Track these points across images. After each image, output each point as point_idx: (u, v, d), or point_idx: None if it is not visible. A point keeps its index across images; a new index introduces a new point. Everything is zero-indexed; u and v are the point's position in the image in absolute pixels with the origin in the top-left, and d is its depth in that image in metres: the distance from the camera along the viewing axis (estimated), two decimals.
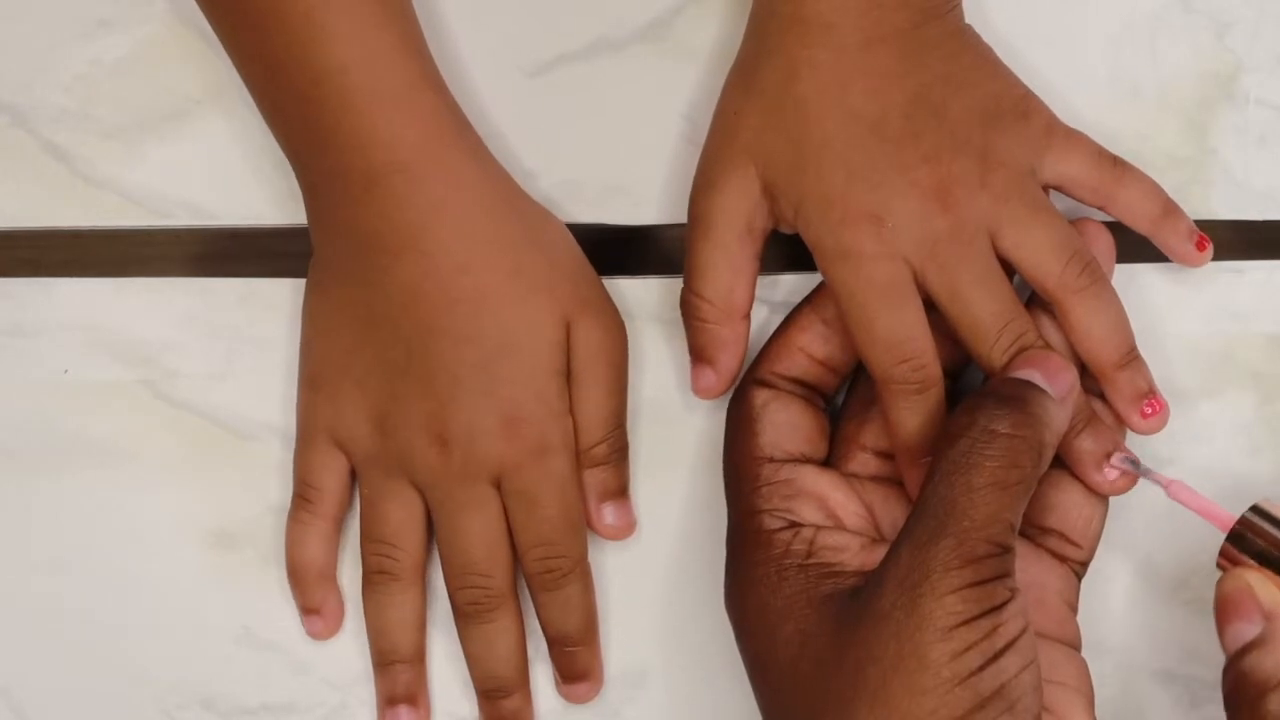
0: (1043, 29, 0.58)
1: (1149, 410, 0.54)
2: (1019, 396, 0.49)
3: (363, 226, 0.55)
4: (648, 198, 0.59)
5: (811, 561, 0.51)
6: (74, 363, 0.59)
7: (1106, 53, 0.59)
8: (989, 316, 0.53)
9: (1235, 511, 0.50)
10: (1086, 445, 0.53)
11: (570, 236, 0.58)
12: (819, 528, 0.52)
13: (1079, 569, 0.54)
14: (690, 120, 0.59)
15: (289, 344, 0.59)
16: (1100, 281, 0.54)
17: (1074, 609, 0.54)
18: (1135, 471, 0.53)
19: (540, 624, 0.57)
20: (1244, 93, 0.58)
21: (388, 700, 0.58)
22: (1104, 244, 0.56)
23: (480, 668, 0.57)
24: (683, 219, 0.57)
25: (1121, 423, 0.54)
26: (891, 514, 0.54)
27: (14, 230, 0.60)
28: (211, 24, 0.56)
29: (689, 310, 0.56)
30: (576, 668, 0.57)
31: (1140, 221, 0.56)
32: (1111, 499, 0.55)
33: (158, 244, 0.60)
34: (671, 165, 0.59)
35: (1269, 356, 0.58)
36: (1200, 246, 0.56)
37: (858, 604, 0.48)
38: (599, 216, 0.59)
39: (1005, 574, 0.48)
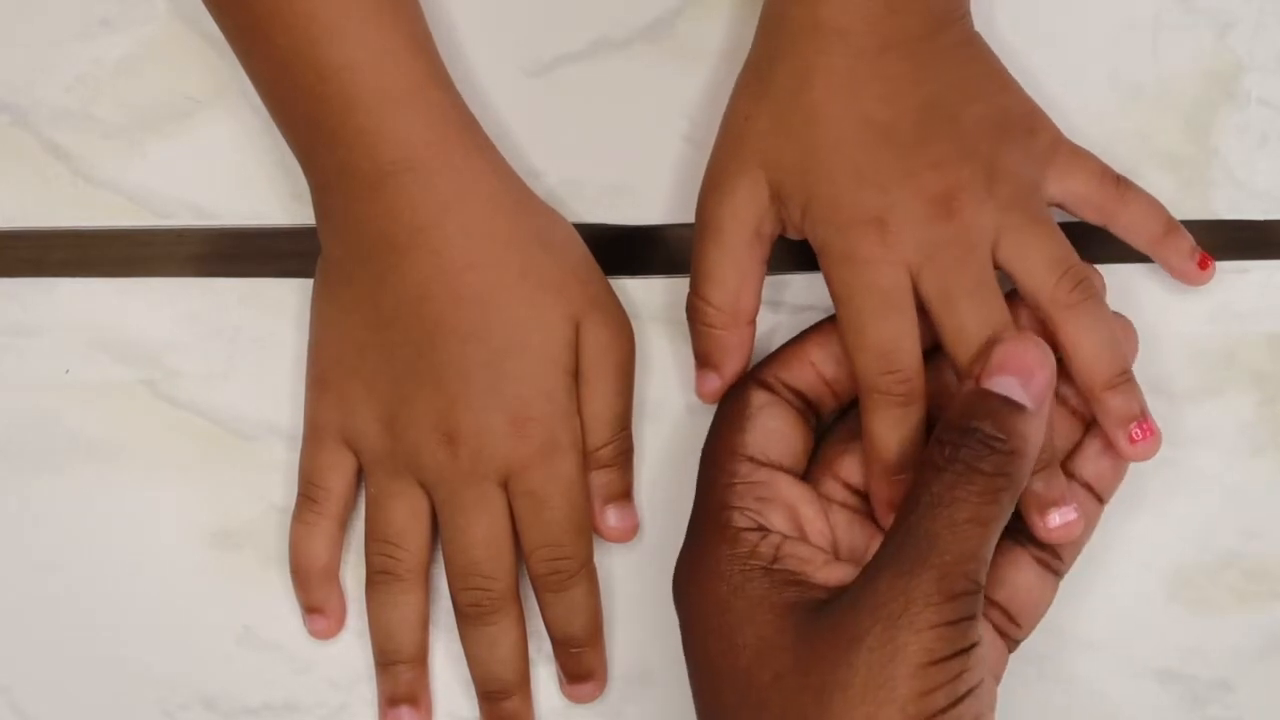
0: (1044, 29, 0.59)
1: (1137, 435, 0.53)
2: (1000, 437, 0.49)
3: (371, 225, 0.55)
4: (649, 197, 0.59)
5: (777, 567, 0.50)
6: (75, 363, 0.59)
7: (1107, 53, 0.59)
8: (975, 326, 0.52)
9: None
10: (1037, 487, 0.52)
11: (577, 236, 0.58)
12: (785, 536, 0.51)
13: (1012, 646, 0.54)
14: (692, 120, 0.59)
15: (291, 344, 0.59)
16: (1093, 299, 0.53)
17: (998, 680, 0.53)
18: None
19: (545, 625, 0.57)
20: (1245, 92, 0.59)
21: (389, 700, 0.58)
22: (1131, 342, 0.55)
23: (481, 669, 0.57)
24: (685, 219, 0.57)
25: (1111, 447, 0.53)
26: (852, 539, 0.54)
27: (15, 230, 0.60)
28: (218, 23, 0.56)
29: (695, 315, 0.56)
30: (581, 668, 0.57)
31: (1142, 240, 0.56)
32: (1113, 495, 0.55)
33: (159, 244, 0.60)
34: (673, 165, 0.59)
35: (1270, 356, 0.58)
36: (1202, 265, 0.56)
37: (827, 623, 0.48)
38: (600, 216, 0.59)
39: (975, 615, 0.48)
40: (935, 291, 0.53)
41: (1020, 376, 0.50)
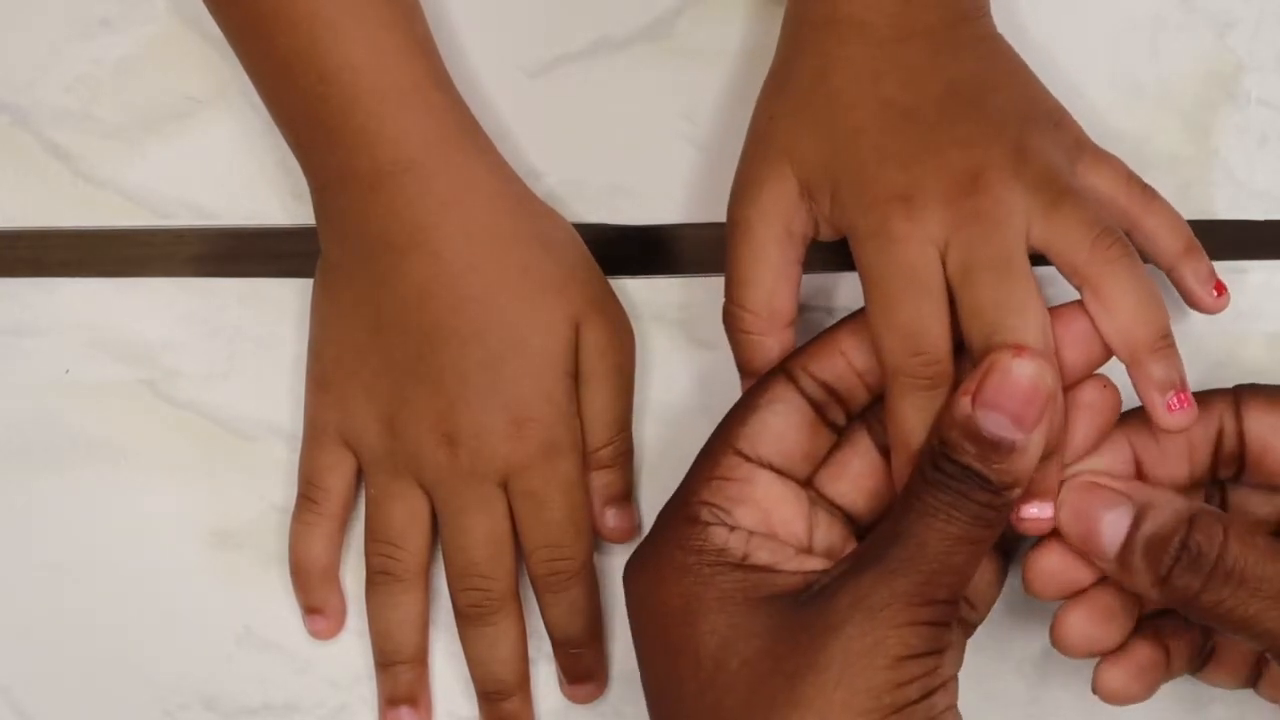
0: (1044, 29, 0.58)
1: (1175, 404, 0.51)
2: (989, 479, 0.48)
3: (371, 226, 0.55)
4: (649, 197, 0.59)
5: (750, 563, 0.49)
6: (75, 362, 0.59)
7: (1107, 53, 0.59)
8: (991, 305, 0.50)
9: None
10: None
11: (577, 237, 0.58)
12: (753, 534, 0.50)
13: (970, 631, 0.53)
14: (692, 120, 0.59)
15: (290, 344, 0.59)
16: (1131, 257, 0.51)
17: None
18: None
19: (545, 625, 0.57)
20: (1245, 92, 0.59)
21: (389, 700, 0.58)
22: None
23: (481, 669, 0.57)
24: (686, 219, 0.57)
25: (1148, 413, 0.51)
26: (831, 542, 0.53)
27: (15, 230, 0.60)
28: (218, 23, 0.56)
29: (731, 322, 0.54)
30: (581, 669, 0.57)
31: (1162, 253, 0.54)
32: None
33: (159, 244, 0.60)
34: (673, 165, 0.59)
35: (1270, 356, 0.58)
36: (1218, 292, 0.54)
37: (803, 612, 0.48)
38: (600, 216, 0.59)
39: (951, 623, 0.48)
40: (956, 267, 0.50)
41: (1010, 415, 0.48)
